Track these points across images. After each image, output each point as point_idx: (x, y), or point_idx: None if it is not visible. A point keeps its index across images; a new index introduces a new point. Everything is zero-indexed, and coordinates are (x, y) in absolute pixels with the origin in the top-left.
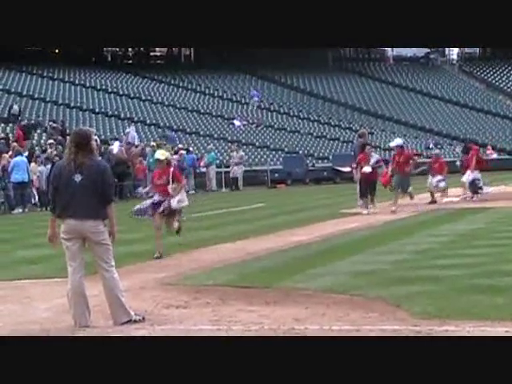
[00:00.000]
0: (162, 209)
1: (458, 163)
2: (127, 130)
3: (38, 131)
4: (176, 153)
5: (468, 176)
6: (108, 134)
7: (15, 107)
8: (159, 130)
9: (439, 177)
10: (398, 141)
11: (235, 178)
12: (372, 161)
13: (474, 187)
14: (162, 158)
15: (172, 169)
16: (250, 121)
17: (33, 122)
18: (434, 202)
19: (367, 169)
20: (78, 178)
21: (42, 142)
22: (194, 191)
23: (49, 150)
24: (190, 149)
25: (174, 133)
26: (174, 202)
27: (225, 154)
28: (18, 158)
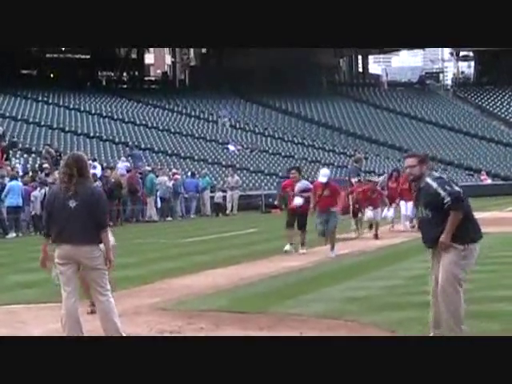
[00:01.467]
0: None
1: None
2: (118, 166)
3: (12, 151)
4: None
5: (408, 208)
6: (103, 158)
7: None
8: (153, 154)
9: (385, 208)
10: (323, 172)
11: (218, 203)
12: (296, 189)
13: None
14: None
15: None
16: (245, 146)
17: (6, 143)
18: (377, 236)
19: (298, 201)
20: (72, 203)
21: (14, 162)
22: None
23: (56, 175)
24: (205, 173)
25: (140, 151)
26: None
27: (219, 178)
28: (14, 183)
